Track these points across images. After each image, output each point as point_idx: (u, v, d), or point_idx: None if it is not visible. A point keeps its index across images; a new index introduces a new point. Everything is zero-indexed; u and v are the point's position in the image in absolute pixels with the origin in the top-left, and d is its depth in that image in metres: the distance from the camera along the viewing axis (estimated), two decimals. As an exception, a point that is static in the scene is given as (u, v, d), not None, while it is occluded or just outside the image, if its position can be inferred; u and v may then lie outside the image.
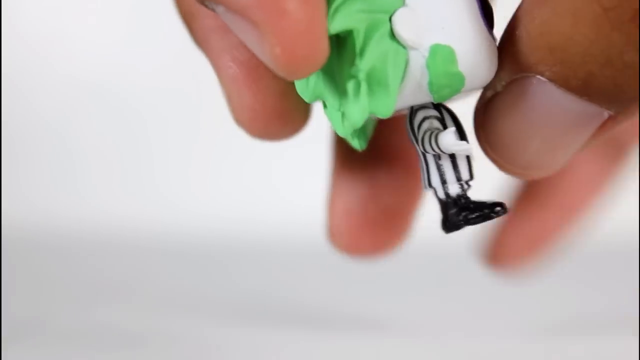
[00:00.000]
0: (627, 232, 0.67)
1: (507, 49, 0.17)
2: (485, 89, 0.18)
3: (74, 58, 0.80)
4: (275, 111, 0.19)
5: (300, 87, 0.17)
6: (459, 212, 0.19)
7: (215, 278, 0.57)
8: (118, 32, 0.78)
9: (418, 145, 0.19)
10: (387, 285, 0.55)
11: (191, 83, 0.82)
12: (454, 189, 0.19)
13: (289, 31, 0.14)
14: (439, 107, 0.19)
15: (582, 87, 0.16)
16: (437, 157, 0.19)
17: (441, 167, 0.19)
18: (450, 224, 0.19)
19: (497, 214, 0.20)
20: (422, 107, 0.19)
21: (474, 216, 0.19)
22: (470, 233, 0.62)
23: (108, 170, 0.77)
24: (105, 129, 0.79)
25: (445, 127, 0.19)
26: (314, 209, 0.69)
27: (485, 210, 0.19)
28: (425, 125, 0.18)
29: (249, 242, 0.66)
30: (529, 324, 0.46)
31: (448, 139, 0.18)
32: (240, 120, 0.20)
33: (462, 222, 0.19)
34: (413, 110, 0.19)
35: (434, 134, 0.18)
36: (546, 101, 0.17)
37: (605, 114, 0.16)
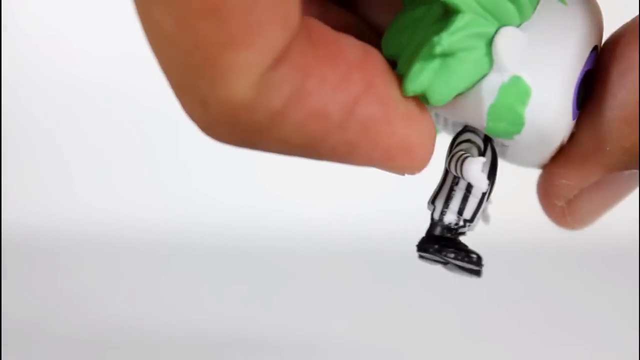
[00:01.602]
0: (627, 232, 0.67)
1: (595, 155, 0.18)
2: (565, 189, 0.19)
3: (73, 58, 0.79)
4: None
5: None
6: (437, 241, 0.19)
7: (215, 278, 0.57)
8: (117, 32, 0.78)
9: (447, 159, 0.19)
10: (387, 286, 0.55)
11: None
12: (449, 218, 0.19)
13: (417, 158, 0.17)
14: (487, 142, 0.18)
15: None
16: (455, 182, 0.19)
17: (453, 192, 0.19)
18: (422, 245, 0.19)
19: (471, 269, 0.19)
20: (474, 131, 0.18)
21: (447, 253, 0.19)
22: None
23: (108, 170, 0.77)
24: (105, 130, 0.78)
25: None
26: (313, 209, 0.69)
27: (461, 255, 0.19)
28: (464, 146, 0.18)
29: (248, 242, 0.66)
30: (529, 323, 0.46)
31: (474, 166, 0.18)
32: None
33: (432, 251, 0.19)
34: (464, 129, 0.18)
35: (465, 156, 0.18)
36: (630, 183, 0.19)
37: None
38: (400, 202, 0.75)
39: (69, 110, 0.79)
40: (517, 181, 0.73)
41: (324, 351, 0.42)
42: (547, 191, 0.20)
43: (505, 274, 0.58)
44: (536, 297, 0.52)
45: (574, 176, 0.19)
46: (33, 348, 0.42)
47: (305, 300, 0.51)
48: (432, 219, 0.19)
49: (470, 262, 0.19)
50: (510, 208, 0.70)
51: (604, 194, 0.19)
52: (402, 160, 0.16)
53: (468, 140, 0.18)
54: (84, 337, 0.44)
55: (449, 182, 0.19)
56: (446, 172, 0.19)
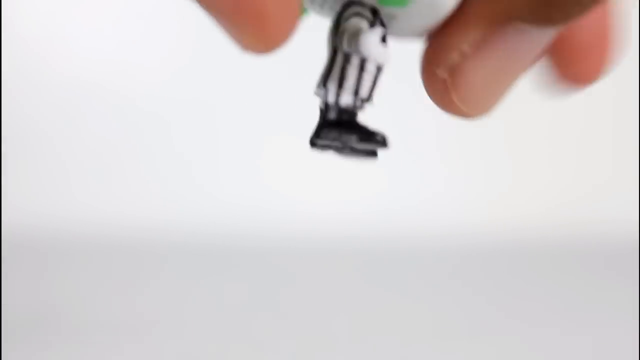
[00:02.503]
0: (627, 232, 0.67)
1: (476, 6, 0.16)
2: (445, 51, 0.17)
3: (72, 59, 0.80)
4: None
5: None
6: (337, 127, 0.17)
7: (214, 278, 0.57)
8: (117, 33, 0.78)
9: (335, 36, 0.17)
10: (386, 285, 0.55)
11: (192, 84, 0.82)
12: (346, 99, 0.17)
13: (268, 27, 0.15)
14: (375, 14, 0.17)
15: (551, 14, 0.16)
16: (347, 60, 0.17)
17: (345, 71, 0.17)
18: (319, 133, 0.18)
19: (371, 150, 0.18)
20: (361, 3, 0.17)
21: (350, 136, 0.17)
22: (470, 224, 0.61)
23: (108, 170, 0.77)
24: (105, 130, 0.78)
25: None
26: (313, 209, 0.69)
27: (367, 137, 0.17)
28: (353, 21, 0.17)
29: (248, 242, 0.66)
30: (529, 323, 0.46)
31: (372, 39, 0.17)
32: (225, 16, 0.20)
33: (333, 137, 0.17)
34: (350, 2, 0.17)
35: (358, 32, 0.17)
36: (519, 44, 0.17)
37: (553, 32, 0.17)
38: (402, 202, 0.75)
39: (69, 110, 0.79)
40: (517, 181, 0.73)
41: (325, 351, 0.42)
42: (427, 60, 0.17)
43: (505, 274, 0.58)
44: (536, 296, 0.52)
45: (454, 33, 0.17)
46: (33, 348, 0.42)
47: (305, 299, 0.51)
48: (326, 103, 0.17)
49: (376, 143, 0.18)
50: (510, 208, 0.70)
51: (490, 63, 0.17)
52: (250, 27, 0.15)
53: (357, 14, 0.17)
54: (84, 337, 0.44)
55: (340, 61, 0.17)
56: (334, 51, 0.17)
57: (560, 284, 0.55)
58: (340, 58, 0.17)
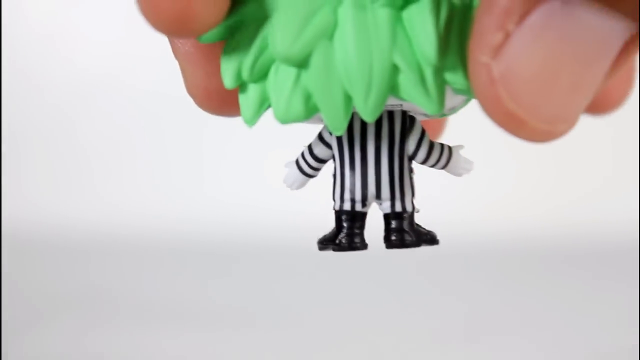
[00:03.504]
0: (627, 232, 0.67)
1: None
2: (488, 33, 0.14)
3: (74, 58, 0.80)
4: (228, 92, 0.18)
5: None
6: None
7: (214, 278, 0.57)
8: (118, 33, 0.78)
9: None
10: (387, 286, 0.55)
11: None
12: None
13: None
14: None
15: None
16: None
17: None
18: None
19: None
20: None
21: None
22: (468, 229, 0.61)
23: (109, 170, 0.77)
24: (105, 129, 0.79)
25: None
26: (314, 209, 0.69)
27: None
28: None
29: (248, 242, 0.66)
30: (529, 323, 0.46)
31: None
32: (192, 96, 0.19)
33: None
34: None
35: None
36: (573, 25, 0.14)
37: (632, 28, 0.14)
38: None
39: (70, 110, 0.79)
40: (517, 181, 0.73)
41: (327, 351, 0.42)
42: (471, 49, 0.15)
43: (504, 274, 0.58)
44: (536, 296, 0.52)
45: (499, 11, 0.14)
46: (33, 346, 0.42)
47: (306, 299, 0.51)
48: (347, 212, 0.19)
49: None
50: (510, 208, 0.70)
51: (541, 50, 0.14)
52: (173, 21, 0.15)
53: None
54: (84, 336, 0.44)
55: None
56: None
57: (559, 284, 0.55)
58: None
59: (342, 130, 0.16)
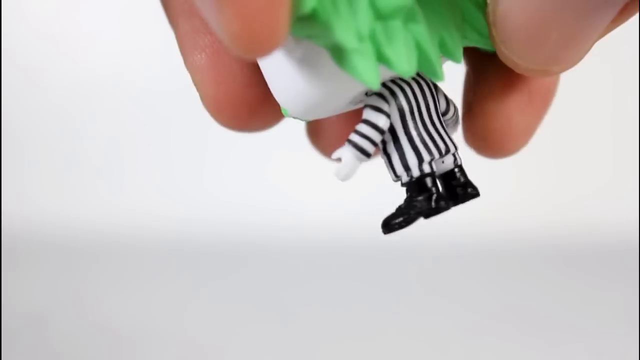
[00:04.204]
0: (627, 232, 0.67)
1: None
2: None
3: (73, 59, 0.80)
4: (241, 102, 0.18)
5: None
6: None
7: (214, 278, 0.57)
8: (116, 35, 0.78)
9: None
10: (388, 286, 0.55)
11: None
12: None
13: (249, 4, 0.12)
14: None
15: None
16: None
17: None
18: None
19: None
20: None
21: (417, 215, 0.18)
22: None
23: (109, 170, 0.77)
24: (106, 129, 0.78)
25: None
26: (315, 211, 0.69)
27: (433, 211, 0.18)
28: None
29: (248, 243, 0.66)
30: (529, 323, 0.46)
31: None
32: (207, 109, 0.19)
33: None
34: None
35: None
36: None
37: None
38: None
39: (70, 110, 0.79)
40: (517, 182, 0.73)
41: (325, 350, 0.42)
42: None
43: (504, 274, 0.58)
44: (535, 297, 0.52)
45: None
46: (33, 348, 0.42)
47: (307, 299, 0.51)
48: (430, 174, 0.18)
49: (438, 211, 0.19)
50: (510, 208, 0.70)
51: None
52: (230, 18, 0.13)
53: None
54: (84, 336, 0.44)
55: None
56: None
57: (559, 284, 0.55)
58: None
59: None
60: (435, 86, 0.18)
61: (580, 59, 0.15)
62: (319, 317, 0.48)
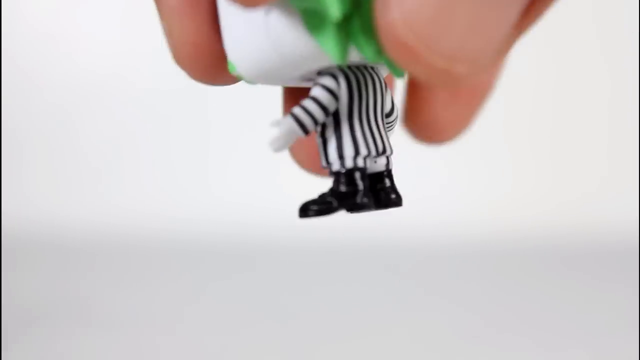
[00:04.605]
0: (627, 232, 0.67)
1: None
2: None
3: (73, 59, 0.80)
4: (219, 48, 0.17)
5: None
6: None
7: (214, 279, 0.57)
8: (117, 35, 0.78)
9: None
10: (386, 287, 0.55)
11: (193, 85, 0.82)
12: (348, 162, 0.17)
13: None
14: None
15: None
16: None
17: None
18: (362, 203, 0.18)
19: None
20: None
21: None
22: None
23: (111, 171, 0.77)
24: (107, 130, 0.79)
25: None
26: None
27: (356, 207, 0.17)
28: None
29: (249, 243, 0.66)
30: (528, 323, 0.46)
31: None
32: (180, 58, 0.18)
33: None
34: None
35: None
36: None
37: None
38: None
39: (70, 110, 0.79)
40: (517, 182, 0.73)
41: (326, 350, 0.42)
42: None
43: (504, 274, 0.58)
44: (535, 297, 0.52)
45: None
46: (33, 346, 0.42)
47: (308, 299, 0.51)
48: (362, 169, 0.17)
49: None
50: (510, 209, 0.70)
51: None
52: None
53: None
54: (85, 336, 0.44)
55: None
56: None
57: (559, 284, 0.55)
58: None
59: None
60: (386, 85, 0.18)
61: (490, 60, 0.14)
62: (320, 317, 0.48)
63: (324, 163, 0.17)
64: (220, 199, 0.73)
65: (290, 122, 0.17)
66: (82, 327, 0.45)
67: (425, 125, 0.21)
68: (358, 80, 0.17)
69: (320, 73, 0.17)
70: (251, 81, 0.17)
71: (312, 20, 0.15)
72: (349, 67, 0.17)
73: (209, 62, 0.18)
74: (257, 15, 0.16)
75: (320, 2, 0.14)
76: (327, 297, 0.52)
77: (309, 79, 0.17)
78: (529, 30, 0.15)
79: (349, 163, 0.17)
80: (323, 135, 0.17)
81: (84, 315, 0.48)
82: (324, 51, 0.15)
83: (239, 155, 0.75)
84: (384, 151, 0.18)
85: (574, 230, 0.67)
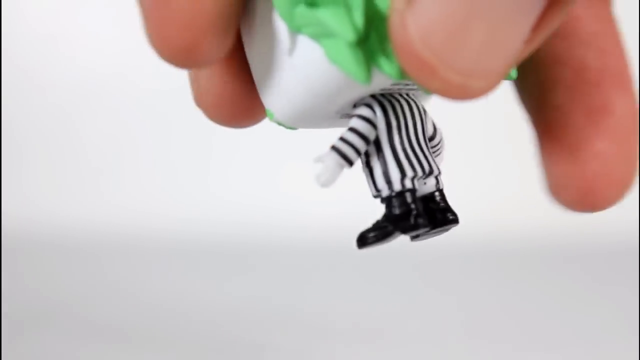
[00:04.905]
0: (627, 232, 0.67)
1: None
2: None
3: (73, 59, 0.80)
4: (242, 98, 0.18)
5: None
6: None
7: (214, 279, 0.57)
8: (117, 34, 0.78)
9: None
10: (386, 287, 0.55)
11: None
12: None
13: (166, 23, 0.13)
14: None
15: None
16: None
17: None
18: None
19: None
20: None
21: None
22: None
23: (112, 170, 0.77)
24: (109, 129, 0.78)
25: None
26: (317, 211, 0.69)
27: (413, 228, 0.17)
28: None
29: (248, 243, 0.66)
30: (528, 323, 0.46)
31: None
32: (201, 103, 0.19)
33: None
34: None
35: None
36: None
37: None
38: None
39: (70, 110, 0.79)
40: (517, 182, 0.73)
41: (326, 350, 0.42)
42: None
43: (504, 274, 0.58)
44: (535, 296, 0.52)
45: None
46: (33, 346, 0.42)
47: (309, 299, 0.51)
48: (411, 190, 0.18)
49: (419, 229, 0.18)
50: (510, 208, 0.70)
51: None
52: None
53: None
54: (85, 336, 0.44)
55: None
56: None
57: (559, 284, 0.55)
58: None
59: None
60: (425, 110, 0.18)
61: (503, 74, 0.15)
62: (320, 317, 0.48)
63: (374, 192, 0.18)
64: (221, 199, 0.73)
65: (333, 156, 0.17)
66: (82, 327, 0.45)
67: (584, 192, 0.19)
68: (394, 106, 0.18)
69: (356, 105, 0.17)
70: (291, 126, 0.18)
71: (331, 47, 0.15)
72: (383, 95, 0.17)
73: (229, 112, 0.18)
74: (283, 59, 0.16)
75: (332, 25, 0.15)
76: (327, 297, 0.52)
77: (347, 115, 0.18)
78: (539, 45, 0.15)
79: (397, 186, 0.17)
80: (368, 164, 0.18)
81: (84, 315, 0.48)
82: (348, 76, 0.15)
83: (240, 156, 0.75)
84: (431, 171, 0.18)
85: (574, 230, 0.67)
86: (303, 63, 0.16)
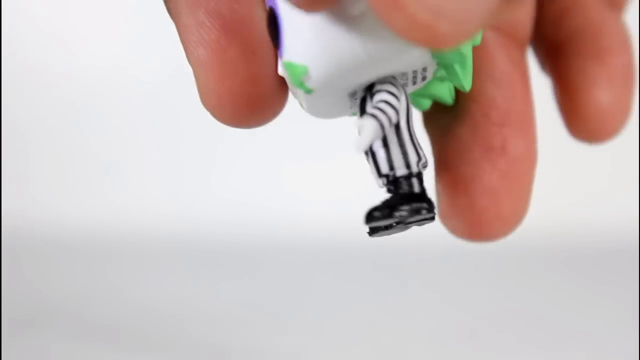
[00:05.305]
0: (627, 232, 0.67)
1: None
2: None
3: (73, 59, 0.79)
4: (243, 97, 0.18)
5: None
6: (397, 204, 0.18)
7: (214, 279, 0.57)
8: (119, 31, 0.78)
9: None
10: (388, 286, 0.55)
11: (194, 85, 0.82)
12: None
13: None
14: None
15: None
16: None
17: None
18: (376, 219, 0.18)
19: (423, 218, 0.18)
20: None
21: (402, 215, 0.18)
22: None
23: (113, 170, 0.77)
24: (110, 128, 0.78)
25: None
26: (318, 211, 0.69)
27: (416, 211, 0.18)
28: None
29: (248, 243, 0.66)
30: (528, 324, 0.46)
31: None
32: (206, 105, 0.19)
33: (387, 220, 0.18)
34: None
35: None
36: None
37: None
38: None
39: (70, 110, 0.79)
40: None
41: (325, 350, 0.42)
42: None
43: (504, 274, 0.58)
44: (535, 296, 0.52)
45: None
46: (34, 346, 0.42)
47: (309, 299, 0.51)
48: (416, 174, 0.18)
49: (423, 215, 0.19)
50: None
51: None
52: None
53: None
54: (86, 336, 0.44)
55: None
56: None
57: (559, 285, 0.55)
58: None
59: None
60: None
61: (471, 23, 0.14)
62: (320, 317, 0.48)
63: (386, 171, 0.18)
64: (224, 199, 0.73)
65: (373, 122, 0.17)
66: (83, 327, 0.45)
67: (590, 117, 0.21)
68: (405, 91, 0.18)
69: (371, 87, 0.18)
70: (315, 87, 0.17)
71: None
72: (396, 79, 0.18)
73: (233, 111, 0.18)
74: (347, 15, 0.16)
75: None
76: (328, 297, 0.52)
77: (356, 98, 0.18)
78: (518, 6, 0.15)
79: (419, 166, 0.18)
80: (385, 144, 0.18)
81: (85, 316, 0.48)
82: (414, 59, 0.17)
83: (243, 155, 0.75)
84: (426, 162, 0.18)
85: (574, 231, 0.67)
86: (368, 26, 0.16)
